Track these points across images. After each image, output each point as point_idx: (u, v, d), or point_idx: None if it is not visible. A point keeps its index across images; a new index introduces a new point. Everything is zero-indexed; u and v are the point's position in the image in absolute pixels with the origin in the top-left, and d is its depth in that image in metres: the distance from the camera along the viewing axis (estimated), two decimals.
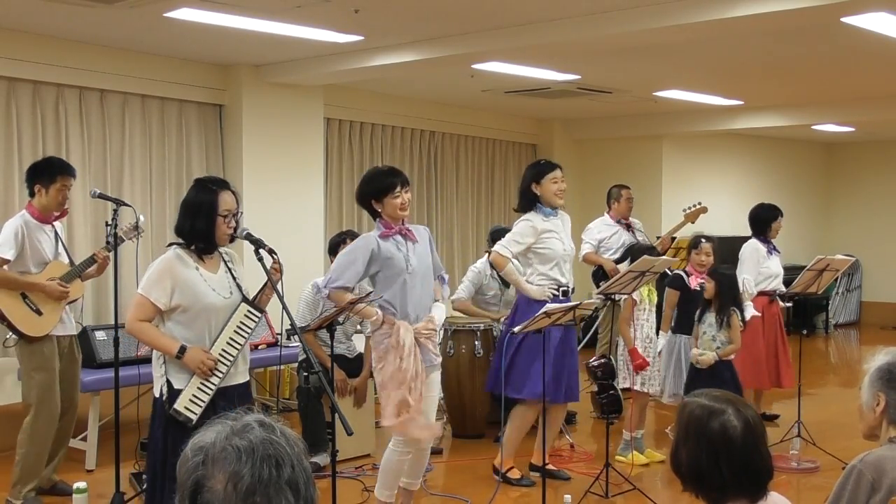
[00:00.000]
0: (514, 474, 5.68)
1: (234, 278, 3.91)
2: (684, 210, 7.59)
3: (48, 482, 5.30)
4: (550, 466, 5.67)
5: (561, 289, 5.53)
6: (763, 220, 7.06)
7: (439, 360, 4.75)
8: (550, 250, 5.52)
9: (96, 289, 6.97)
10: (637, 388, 5.97)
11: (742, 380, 6.02)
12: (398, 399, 4.49)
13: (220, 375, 3.79)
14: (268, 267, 3.90)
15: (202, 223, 3.78)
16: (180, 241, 3.87)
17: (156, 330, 3.81)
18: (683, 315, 6.14)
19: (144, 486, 5.13)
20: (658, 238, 8.02)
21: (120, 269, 5.01)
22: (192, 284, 3.77)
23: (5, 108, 6.57)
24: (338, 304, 4.47)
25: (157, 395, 3.83)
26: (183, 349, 3.72)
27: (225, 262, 3.92)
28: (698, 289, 6.02)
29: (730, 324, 5.75)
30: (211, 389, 3.76)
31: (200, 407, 3.72)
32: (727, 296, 5.80)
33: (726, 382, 5.58)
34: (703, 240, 6.34)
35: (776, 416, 7.30)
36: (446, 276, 4.98)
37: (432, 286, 4.72)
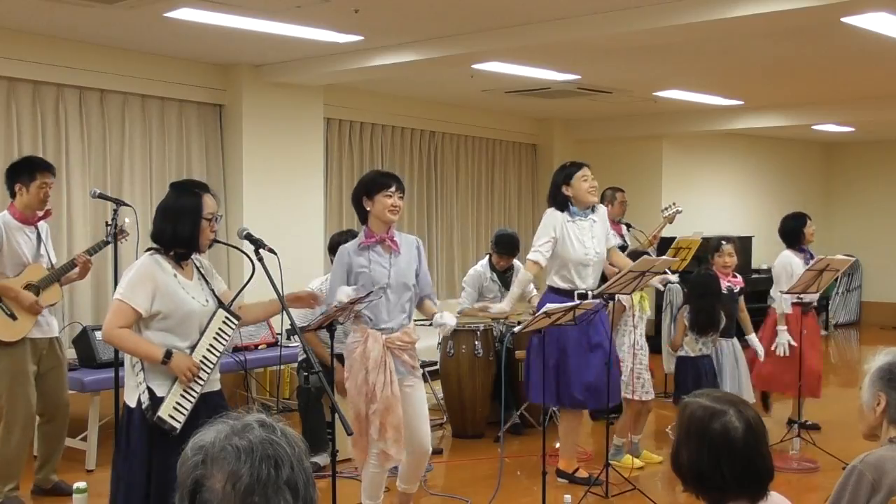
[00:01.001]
0: (582, 473, 5.65)
1: (207, 284, 3.82)
2: (662, 212, 7.64)
3: (48, 482, 5.31)
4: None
5: (577, 292, 5.44)
6: (793, 231, 6.88)
7: (417, 372, 4.62)
8: (561, 254, 5.48)
9: (96, 289, 6.97)
10: (628, 396, 5.91)
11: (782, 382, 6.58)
12: (356, 412, 4.46)
13: (202, 382, 3.69)
14: (268, 274, 3.86)
15: (186, 227, 3.69)
16: (155, 246, 3.75)
17: (137, 336, 3.65)
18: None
19: None
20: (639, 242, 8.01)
21: (120, 270, 4.99)
22: (172, 290, 3.65)
23: (5, 108, 6.57)
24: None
25: (132, 404, 3.62)
26: (169, 354, 3.59)
27: (197, 269, 3.83)
28: (725, 292, 6.15)
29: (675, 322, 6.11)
30: (194, 396, 3.65)
31: (184, 414, 3.60)
32: (688, 295, 6.03)
33: (701, 375, 5.94)
34: (724, 242, 6.38)
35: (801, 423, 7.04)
36: (436, 301, 4.84)
37: (412, 297, 4.60)
